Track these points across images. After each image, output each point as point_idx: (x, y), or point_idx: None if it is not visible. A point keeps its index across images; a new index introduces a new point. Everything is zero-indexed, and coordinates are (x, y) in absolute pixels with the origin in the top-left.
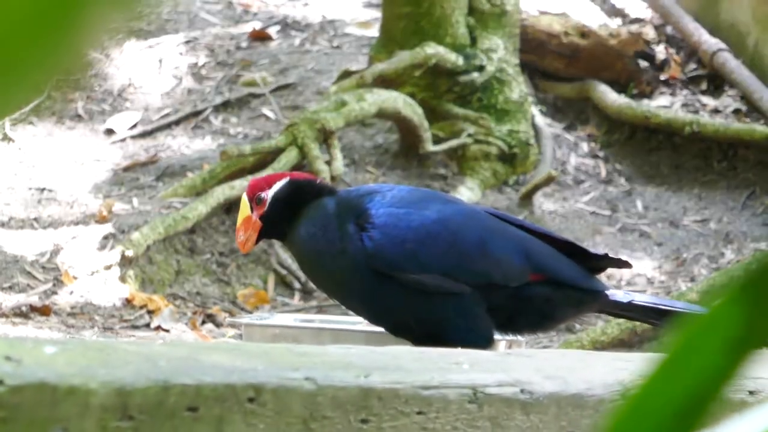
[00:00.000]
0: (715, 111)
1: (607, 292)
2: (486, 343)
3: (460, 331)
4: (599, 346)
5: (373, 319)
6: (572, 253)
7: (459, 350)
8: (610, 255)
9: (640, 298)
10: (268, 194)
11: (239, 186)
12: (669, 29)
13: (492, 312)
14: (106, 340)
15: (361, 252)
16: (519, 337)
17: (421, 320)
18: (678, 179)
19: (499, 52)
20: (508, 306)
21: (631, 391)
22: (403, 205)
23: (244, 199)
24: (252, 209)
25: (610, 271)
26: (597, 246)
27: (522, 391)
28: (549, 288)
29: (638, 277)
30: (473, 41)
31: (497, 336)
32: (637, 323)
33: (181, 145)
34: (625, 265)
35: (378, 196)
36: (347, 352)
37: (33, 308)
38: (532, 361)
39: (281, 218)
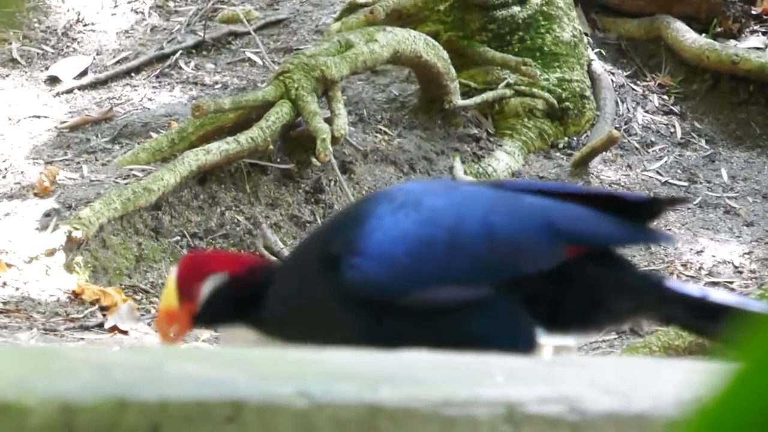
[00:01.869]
0: None
1: (672, 285)
2: (528, 346)
3: (494, 344)
4: (672, 352)
5: None
6: (613, 206)
7: (491, 357)
8: (684, 234)
9: (720, 296)
10: (201, 292)
11: (216, 150)
12: None
13: (530, 305)
14: (47, 345)
15: (347, 285)
16: (569, 342)
17: (447, 345)
18: None
19: None
20: (548, 294)
21: (703, 404)
22: (383, 214)
23: (170, 283)
24: (180, 300)
25: (686, 258)
26: (670, 225)
27: (571, 409)
28: (595, 261)
29: (723, 266)
30: None
31: (544, 339)
32: None
33: (142, 97)
34: (679, 202)
35: (350, 217)
36: (351, 358)
37: None
38: (585, 371)
39: (222, 314)
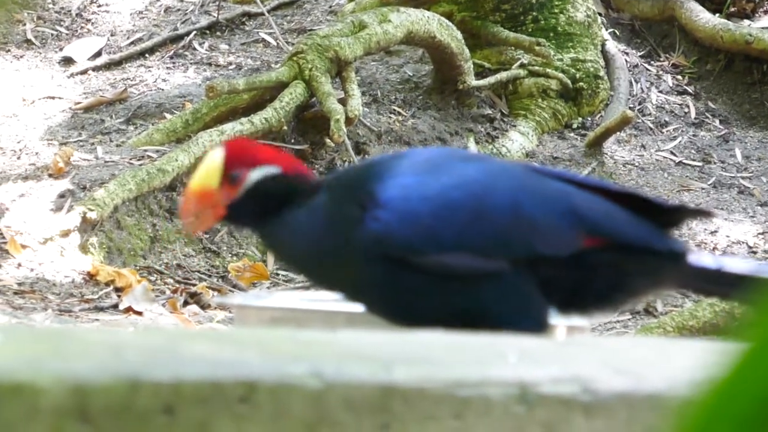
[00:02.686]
0: None
1: (690, 258)
2: (539, 326)
3: (504, 318)
4: (687, 332)
5: (401, 320)
6: (638, 207)
7: (505, 338)
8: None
9: (736, 265)
10: (248, 177)
11: (230, 131)
12: None
13: (546, 289)
14: (61, 325)
15: (367, 237)
16: (582, 322)
17: (457, 313)
18: None
19: None
20: (564, 280)
21: (710, 386)
22: (412, 173)
23: (214, 161)
24: (221, 182)
25: (700, 238)
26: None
27: (584, 390)
28: (612, 254)
29: (737, 245)
30: None
31: (557, 319)
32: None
33: (156, 78)
34: (705, 215)
35: (381, 169)
36: (364, 339)
37: None
38: (598, 351)
39: (254, 212)
